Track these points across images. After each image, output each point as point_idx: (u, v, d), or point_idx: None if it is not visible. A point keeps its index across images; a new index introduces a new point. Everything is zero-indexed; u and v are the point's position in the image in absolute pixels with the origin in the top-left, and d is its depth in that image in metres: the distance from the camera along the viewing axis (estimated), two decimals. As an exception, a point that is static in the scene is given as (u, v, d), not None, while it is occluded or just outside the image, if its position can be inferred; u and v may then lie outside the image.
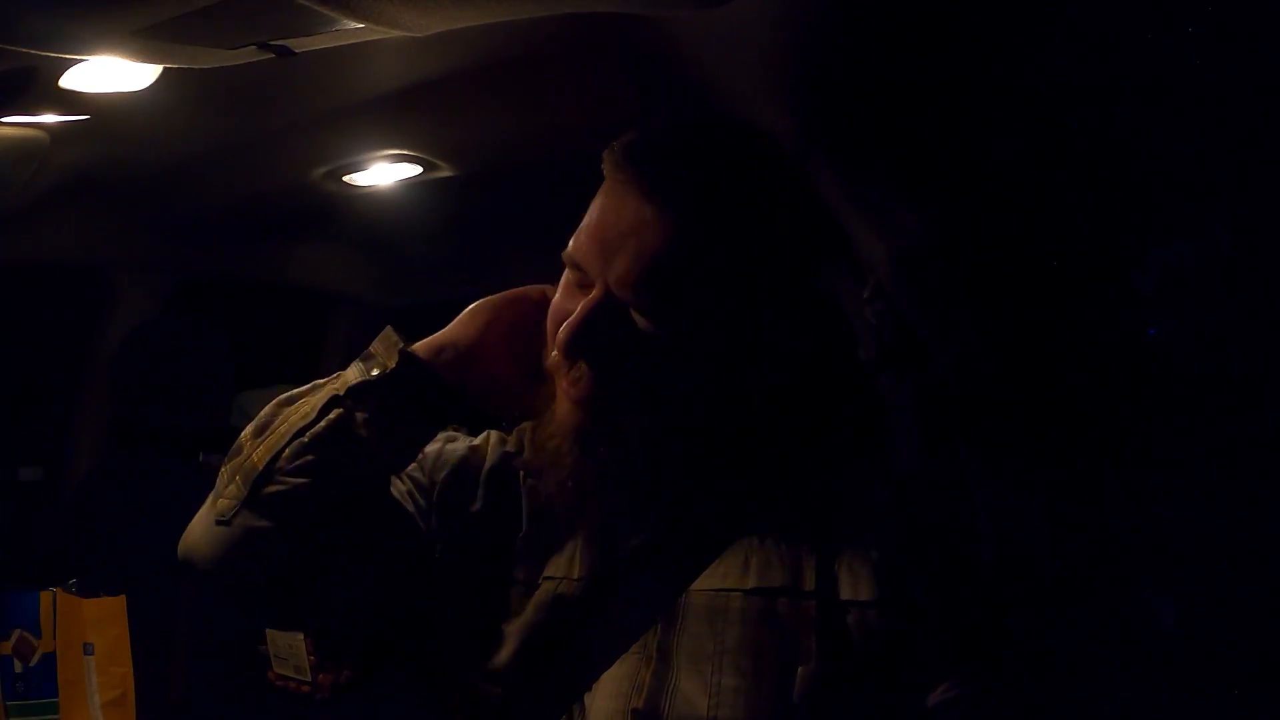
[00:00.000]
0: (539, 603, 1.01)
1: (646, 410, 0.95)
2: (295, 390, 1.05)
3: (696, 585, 0.96)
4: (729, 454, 1.02)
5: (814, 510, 0.98)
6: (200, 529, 1.02)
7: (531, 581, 1.03)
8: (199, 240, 2.34)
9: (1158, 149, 1.31)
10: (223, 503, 1.00)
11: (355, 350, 1.08)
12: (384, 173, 1.90)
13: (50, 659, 1.56)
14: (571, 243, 0.97)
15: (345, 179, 1.93)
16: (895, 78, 1.23)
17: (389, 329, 1.05)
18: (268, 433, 1.01)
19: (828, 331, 1.04)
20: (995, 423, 1.48)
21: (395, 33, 1.11)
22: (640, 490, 1.01)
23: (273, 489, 0.98)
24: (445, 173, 1.93)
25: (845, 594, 0.93)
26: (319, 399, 1.00)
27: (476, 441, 1.15)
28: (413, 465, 1.12)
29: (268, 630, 2.01)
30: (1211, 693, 1.25)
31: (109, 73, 1.29)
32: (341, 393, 1.00)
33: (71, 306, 2.33)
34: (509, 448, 1.13)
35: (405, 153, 1.82)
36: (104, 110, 1.44)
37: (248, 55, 1.20)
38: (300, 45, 1.18)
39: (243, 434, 1.04)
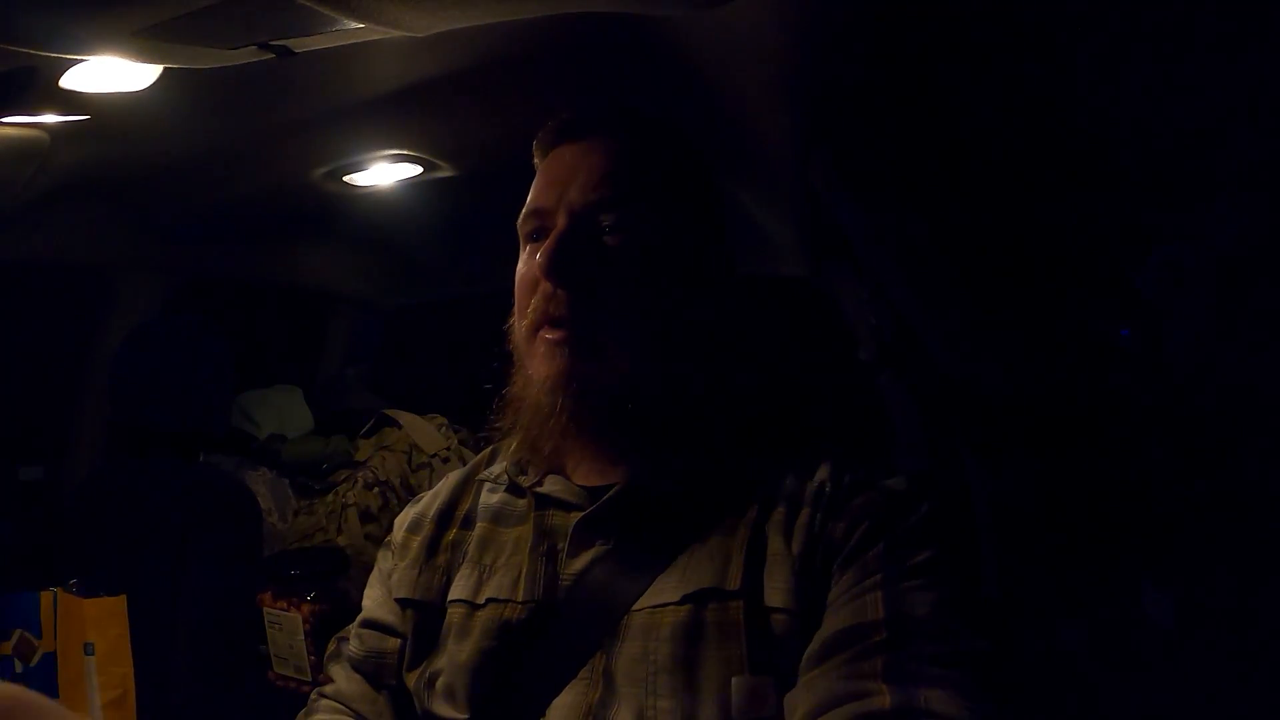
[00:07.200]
0: (486, 628, 1.01)
1: (623, 336, 0.98)
2: None
3: (637, 605, 0.95)
4: (688, 440, 1.01)
5: (750, 513, 0.96)
6: None
7: (473, 604, 1.03)
8: (199, 240, 2.33)
9: (1158, 149, 1.31)
10: None
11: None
12: (384, 173, 1.90)
13: (51, 659, 1.55)
14: (526, 206, 1.05)
15: (345, 179, 1.93)
16: (896, 78, 1.24)
17: None
18: None
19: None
20: (995, 421, 1.48)
21: (395, 33, 1.11)
22: (603, 447, 1.02)
23: None
24: (445, 173, 1.93)
25: (770, 600, 0.91)
26: None
27: (436, 488, 1.18)
28: (387, 565, 1.15)
29: (268, 630, 2.01)
30: (1211, 691, 1.25)
31: (109, 73, 1.29)
32: None
33: (71, 306, 2.32)
34: (484, 464, 1.15)
35: (405, 153, 1.83)
36: (104, 110, 1.44)
37: (248, 55, 1.20)
38: (300, 45, 1.18)
39: None
